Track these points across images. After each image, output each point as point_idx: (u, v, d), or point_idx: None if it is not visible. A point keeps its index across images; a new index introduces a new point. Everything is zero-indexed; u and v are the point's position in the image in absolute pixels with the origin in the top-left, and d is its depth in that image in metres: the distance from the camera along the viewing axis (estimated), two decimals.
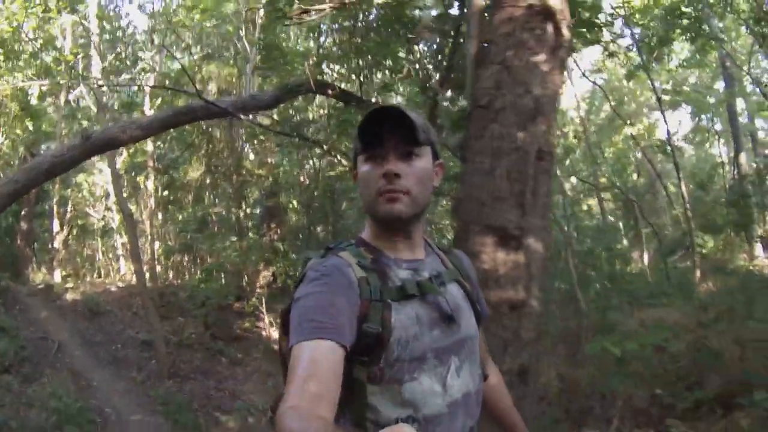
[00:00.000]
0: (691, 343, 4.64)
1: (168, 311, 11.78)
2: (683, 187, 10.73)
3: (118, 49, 11.52)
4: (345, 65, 8.70)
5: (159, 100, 12.26)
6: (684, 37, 9.83)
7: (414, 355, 1.15)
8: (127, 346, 9.70)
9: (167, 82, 11.48)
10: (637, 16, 10.76)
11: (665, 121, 10.81)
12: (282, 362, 1.22)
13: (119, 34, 11.58)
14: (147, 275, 13.13)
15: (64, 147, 7.55)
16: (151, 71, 12.16)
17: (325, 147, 8.96)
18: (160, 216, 14.99)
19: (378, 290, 1.16)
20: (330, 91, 7.74)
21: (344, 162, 9.22)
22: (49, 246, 13.23)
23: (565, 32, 3.00)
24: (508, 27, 2.92)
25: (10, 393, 5.30)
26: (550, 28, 2.91)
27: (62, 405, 4.89)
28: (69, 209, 13.86)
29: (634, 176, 16.77)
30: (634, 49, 11.18)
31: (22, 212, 13.35)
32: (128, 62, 11.56)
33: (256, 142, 12.68)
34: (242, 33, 11.21)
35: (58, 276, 12.07)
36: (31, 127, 10.29)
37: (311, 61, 10.05)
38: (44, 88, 8.76)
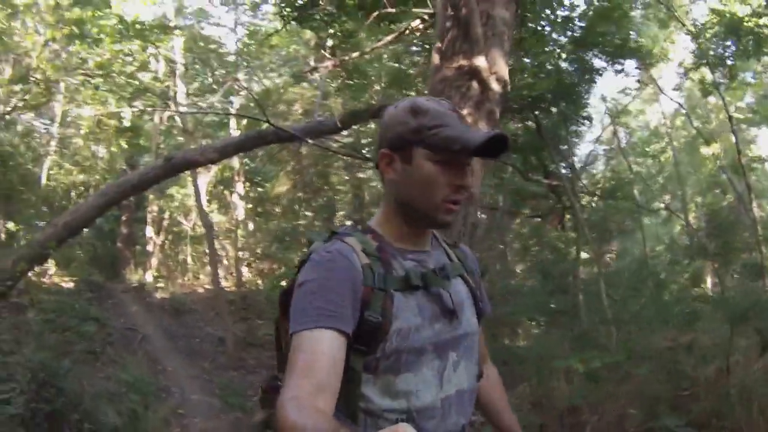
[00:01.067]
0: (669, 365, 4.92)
1: (248, 313, 13.23)
2: (755, 209, 10.51)
3: (207, 73, 13.19)
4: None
5: (245, 121, 13.73)
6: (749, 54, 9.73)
7: (413, 347, 1.17)
8: (204, 341, 11.13)
9: (251, 104, 12.99)
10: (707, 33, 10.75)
11: (736, 140, 10.67)
12: (277, 344, 1.29)
13: (209, 56, 13.20)
14: (230, 280, 14.85)
15: (149, 167, 9.08)
16: (236, 94, 13.72)
17: None
18: (251, 226, 16.71)
19: (381, 278, 1.17)
20: None
21: None
22: (145, 249, 15.29)
23: (494, 87, 3.70)
24: (441, 86, 3.68)
25: (93, 369, 6.69)
26: (475, 85, 3.63)
27: (132, 379, 6.17)
28: (165, 216, 15.86)
29: (724, 195, 16.25)
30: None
31: (123, 218, 15.53)
32: (214, 86, 13.20)
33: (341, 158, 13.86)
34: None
35: (150, 277, 13.94)
36: (125, 145, 12.12)
37: (377, 87, 11.10)
38: (136, 111, 10.46)
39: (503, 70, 3.77)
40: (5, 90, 9.68)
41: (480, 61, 3.60)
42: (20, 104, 10.01)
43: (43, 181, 11.30)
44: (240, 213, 15.62)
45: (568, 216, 9.44)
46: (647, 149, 17.15)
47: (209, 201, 14.66)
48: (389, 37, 6.75)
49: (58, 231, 7.32)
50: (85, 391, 4.69)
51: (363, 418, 1.15)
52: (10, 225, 10.10)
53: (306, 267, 1.17)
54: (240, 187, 15.24)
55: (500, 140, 1.19)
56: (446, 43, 3.73)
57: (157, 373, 8.56)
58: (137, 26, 9.34)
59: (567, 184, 8.72)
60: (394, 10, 5.80)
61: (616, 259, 14.03)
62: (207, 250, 12.78)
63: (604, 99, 14.06)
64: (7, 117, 10.29)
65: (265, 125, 8.08)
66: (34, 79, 9.50)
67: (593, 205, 11.97)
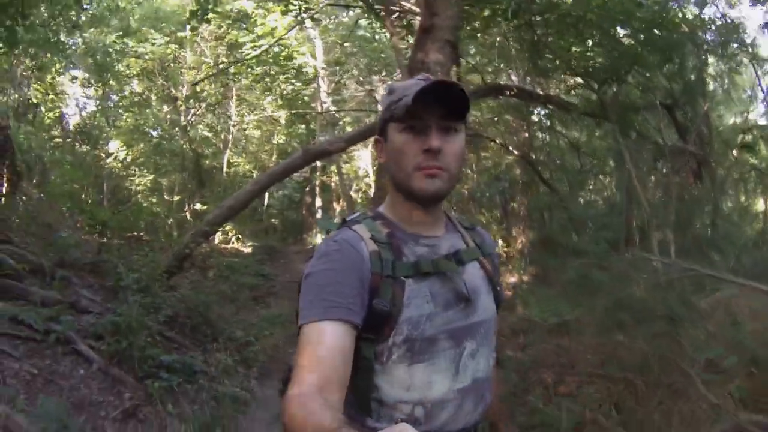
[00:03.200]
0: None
1: None
2: None
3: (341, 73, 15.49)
4: None
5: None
6: None
7: (425, 335, 1.19)
8: None
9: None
10: None
11: None
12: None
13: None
14: None
15: (291, 158, 11.58)
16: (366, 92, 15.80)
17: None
18: None
19: (391, 265, 1.19)
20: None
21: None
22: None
23: None
24: None
25: (252, 312, 9.40)
26: None
27: (269, 315, 8.72)
28: (336, 186, 18.85)
29: None
30: None
31: (307, 188, 18.88)
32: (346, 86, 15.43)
33: None
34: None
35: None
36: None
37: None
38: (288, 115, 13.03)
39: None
40: (190, 103, 13.05)
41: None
42: (200, 111, 13.37)
43: (224, 170, 14.72)
44: None
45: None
46: None
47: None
48: None
49: (223, 212, 10.07)
50: (221, 318, 7.22)
51: (376, 409, 1.19)
52: (198, 206, 13.57)
53: (313, 258, 1.21)
54: None
55: (445, 90, 1.19)
56: None
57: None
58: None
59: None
60: None
61: None
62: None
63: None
64: (193, 120, 13.80)
65: None
66: (206, 91, 12.69)
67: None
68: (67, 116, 14.32)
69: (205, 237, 10.01)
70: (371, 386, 1.19)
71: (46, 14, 6.66)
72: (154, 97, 14.71)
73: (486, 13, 8.25)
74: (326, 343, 1.06)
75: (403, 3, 7.31)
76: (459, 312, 1.24)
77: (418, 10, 6.31)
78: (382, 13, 6.40)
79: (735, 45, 9.14)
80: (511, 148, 10.78)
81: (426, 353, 1.19)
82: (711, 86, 11.45)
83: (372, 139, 14.81)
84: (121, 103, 14.82)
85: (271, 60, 11.41)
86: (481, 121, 12.11)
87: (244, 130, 15.96)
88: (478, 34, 9.13)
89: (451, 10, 4.82)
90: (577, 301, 5.99)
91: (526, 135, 10.72)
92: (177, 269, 8.75)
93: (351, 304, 1.12)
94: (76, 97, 14.96)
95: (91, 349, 4.79)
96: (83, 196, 11.79)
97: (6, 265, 5.42)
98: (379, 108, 1.36)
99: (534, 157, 11.36)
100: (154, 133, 13.99)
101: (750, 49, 9.37)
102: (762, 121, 12.01)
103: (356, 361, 1.12)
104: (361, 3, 7.64)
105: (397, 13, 7.57)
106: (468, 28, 9.02)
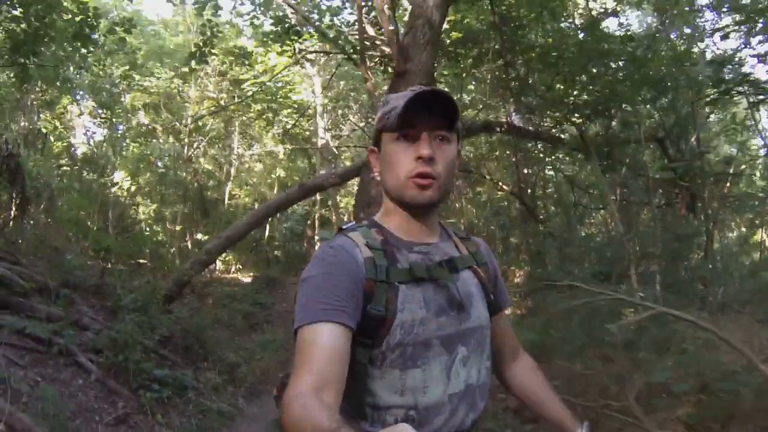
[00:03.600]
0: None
1: None
2: None
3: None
4: None
5: None
6: None
7: (418, 340, 1.22)
8: None
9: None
10: None
11: None
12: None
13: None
14: None
15: (287, 192, 12.14)
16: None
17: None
18: None
19: (385, 271, 1.22)
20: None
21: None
22: None
23: None
24: None
25: (247, 338, 9.80)
26: None
27: (263, 340, 9.12)
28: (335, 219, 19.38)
29: None
30: None
31: (308, 222, 19.42)
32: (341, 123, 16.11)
33: None
34: None
35: None
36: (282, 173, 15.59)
37: None
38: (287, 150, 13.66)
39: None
40: (189, 140, 13.69)
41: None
42: (203, 144, 14.00)
43: (226, 201, 15.29)
44: None
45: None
46: None
47: None
48: None
49: (222, 242, 10.56)
50: (214, 340, 7.64)
51: (370, 414, 1.22)
52: (200, 236, 14.09)
53: (310, 263, 1.24)
54: None
55: (434, 99, 1.25)
56: None
57: (289, 339, 11.50)
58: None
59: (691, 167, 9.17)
60: None
61: None
62: None
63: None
64: (196, 153, 14.43)
65: None
66: (209, 125, 13.35)
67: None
68: (75, 146, 15.02)
69: (204, 265, 10.48)
70: (365, 391, 1.21)
71: (56, 51, 7.20)
72: (159, 128, 15.38)
73: (474, 52, 8.83)
74: (322, 345, 1.09)
75: (383, 48, 7.90)
76: (452, 318, 1.27)
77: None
78: (360, 61, 6.97)
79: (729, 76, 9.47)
80: (500, 184, 11.24)
81: (419, 358, 1.22)
82: (709, 117, 11.87)
83: None
84: (127, 134, 15.49)
85: (269, 97, 12.04)
86: (475, 156, 12.65)
87: (246, 163, 16.58)
88: (470, 71, 9.69)
89: (424, 56, 5.35)
90: (553, 330, 6.36)
91: (518, 170, 11.19)
92: (176, 295, 9.19)
93: (346, 307, 1.15)
94: (84, 125, 15.73)
95: (90, 362, 5.23)
96: (89, 222, 12.37)
97: (15, 284, 5.90)
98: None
99: (529, 191, 11.82)
100: (159, 164, 14.59)
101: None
102: (762, 152, 12.30)
103: (351, 366, 1.14)
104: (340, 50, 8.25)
105: (377, 58, 8.14)
106: (461, 66, 9.64)
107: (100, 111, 14.16)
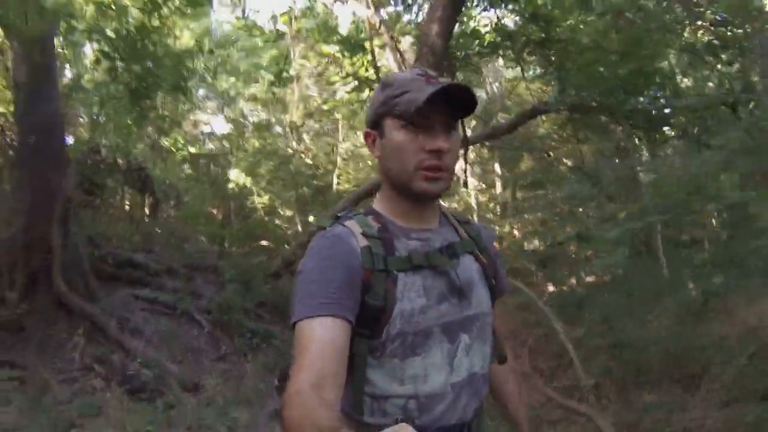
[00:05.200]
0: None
1: None
2: None
3: None
4: None
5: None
6: None
7: (419, 328, 1.23)
8: None
9: None
10: None
11: None
12: None
13: None
14: None
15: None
16: None
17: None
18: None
19: (382, 260, 1.23)
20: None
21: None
22: None
23: None
24: None
25: None
26: None
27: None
28: None
29: None
30: None
31: None
32: None
33: None
34: None
35: None
36: None
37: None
38: None
39: None
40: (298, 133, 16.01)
41: None
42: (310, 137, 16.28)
43: (334, 187, 17.38)
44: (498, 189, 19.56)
45: None
46: None
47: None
48: None
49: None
50: None
51: (369, 403, 1.24)
52: (310, 218, 16.30)
53: (306, 255, 1.25)
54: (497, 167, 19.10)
55: (457, 93, 1.24)
56: None
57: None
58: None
59: None
60: None
61: None
62: None
63: None
64: (304, 145, 16.78)
65: None
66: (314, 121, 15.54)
67: None
68: (204, 139, 17.97)
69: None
70: (364, 380, 1.22)
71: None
72: (273, 120, 17.83)
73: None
74: (321, 340, 1.10)
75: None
76: (453, 305, 1.28)
77: None
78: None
79: None
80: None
81: (420, 347, 1.23)
82: None
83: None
84: (245, 129, 18.13)
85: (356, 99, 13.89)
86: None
87: (351, 150, 18.56)
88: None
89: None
90: None
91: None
92: (284, 271, 11.49)
93: (343, 299, 1.15)
94: (209, 124, 18.72)
95: (202, 319, 7.49)
96: (215, 212, 15.18)
97: (150, 267, 8.36)
98: (372, 102, 1.36)
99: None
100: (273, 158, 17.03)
101: None
102: None
103: (350, 357, 1.16)
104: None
105: None
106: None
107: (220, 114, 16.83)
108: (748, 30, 8.21)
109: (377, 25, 8.00)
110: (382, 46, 9.05)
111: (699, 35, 9.00)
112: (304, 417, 0.98)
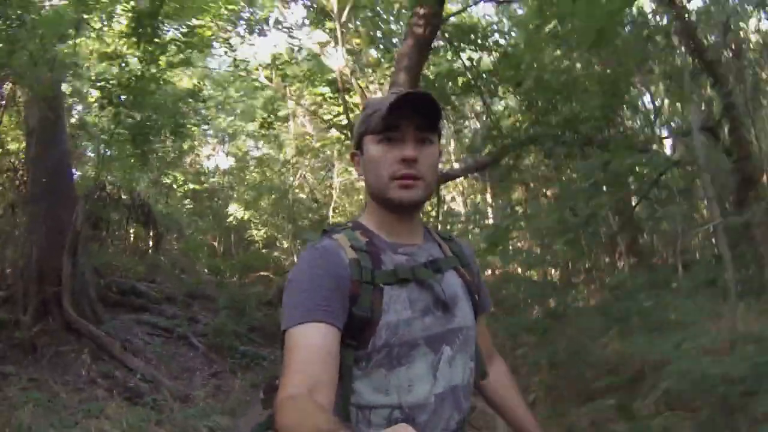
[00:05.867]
0: None
1: None
2: None
3: None
4: None
5: None
6: None
7: (404, 340, 1.26)
8: None
9: None
10: None
11: None
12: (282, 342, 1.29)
13: None
14: None
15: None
16: None
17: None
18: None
19: (370, 273, 1.27)
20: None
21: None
22: None
23: None
24: None
25: None
26: None
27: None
28: None
29: None
30: None
31: None
32: None
33: None
34: None
35: None
36: None
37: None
38: None
39: None
40: (294, 169, 16.98)
41: None
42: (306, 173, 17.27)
43: (330, 219, 18.32)
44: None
45: None
46: None
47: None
48: None
49: None
50: None
51: (355, 413, 1.25)
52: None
53: (295, 266, 1.29)
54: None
55: (416, 100, 1.29)
56: None
57: None
58: None
59: None
60: None
61: None
62: None
63: None
64: (298, 180, 17.77)
65: None
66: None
67: None
68: (206, 174, 19.03)
69: None
70: (350, 390, 1.24)
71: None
72: (273, 154, 18.84)
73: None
74: (311, 345, 1.12)
75: None
76: (437, 318, 1.31)
77: None
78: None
79: None
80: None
81: (405, 358, 1.26)
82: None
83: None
84: (244, 165, 19.15)
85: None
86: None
87: (344, 186, 19.52)
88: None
89: None
90: None
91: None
92: (278, 299, 12.34)
93: (332, 307, 1.18)
94: (212, 156, 19.79)
95: (198, 342, 8.31)
96: (215, 244, 16.07)
97: (151, 296, 9.23)
98: (356, 125, 1.43)
99: None
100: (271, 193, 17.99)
101: None
102: None
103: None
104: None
105: None
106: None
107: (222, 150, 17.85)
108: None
109: (349, 74, 8.96)
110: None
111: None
112: (302, 421, 0.98)
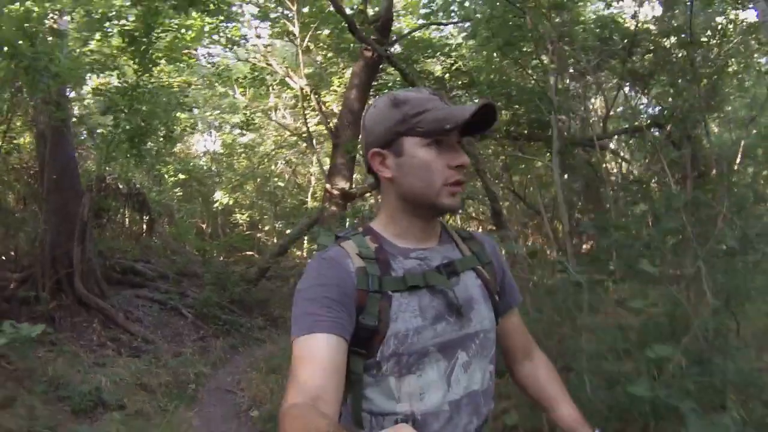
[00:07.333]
0: None
1: None
2: None
3: None
4: None
5: None
6: None
7: (414, 349, 1.27)
8: None
9: None
10: None
11: None
12: None
13: None
14: None
15: (300, 223, 16.67)
16: None
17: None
18: None
19: (377, 281, 1.27)
20: None
21: None
22: None
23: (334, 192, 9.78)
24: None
25: None
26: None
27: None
28: None
29: None
30: None
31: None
32: None
33: None
34: None
35: None
36: None
37: None
38: None
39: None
40: (276, 157, 18.66)
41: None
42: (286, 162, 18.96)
43: (309, 204, 20.16)
44: None
45: None
46: None
47: None
48: None
49: (298, 230, 15.27)
50: (269, 303, 12.39)
51: (369, 419, 1.28)
52: (288, 231, 18.99)
53: (303, 275, 1.31)
54: None
55: (489, 111, 1.29)
56: None
57: None
58: None
59: None
60: None
61: None
62: None
63: None
64: (282, 167, 19.45)
65: None
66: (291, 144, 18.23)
67: None
68: (196, 157, 20.73)
69: (282, 252, 15.25)
70: (362, 397, 1.28)
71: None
72: (257, 140, 20.50)
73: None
74: (316, 356, 1.14)
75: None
76: (451, 324, 1.31)
77: None
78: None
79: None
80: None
81: (414, 366, 1.27)
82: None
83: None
84: (230, 150, 20.79)
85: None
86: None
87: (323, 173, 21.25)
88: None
89: (348, 133, 9.50)
90: None
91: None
92: (259, 277, 14.09)
93: (338, 317, 1.20)
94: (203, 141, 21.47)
95: (187, 312, 10.12)
96: (204, 226, 17.81)
97: (147, 274, 11.01)
98: (380, 120, 1.36)
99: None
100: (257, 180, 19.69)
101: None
102: None
103: (347, 375, 1.21)
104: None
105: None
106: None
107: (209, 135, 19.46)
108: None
109: (309, 92, 10.69)
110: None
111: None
112: (303, 427, 0.98)
